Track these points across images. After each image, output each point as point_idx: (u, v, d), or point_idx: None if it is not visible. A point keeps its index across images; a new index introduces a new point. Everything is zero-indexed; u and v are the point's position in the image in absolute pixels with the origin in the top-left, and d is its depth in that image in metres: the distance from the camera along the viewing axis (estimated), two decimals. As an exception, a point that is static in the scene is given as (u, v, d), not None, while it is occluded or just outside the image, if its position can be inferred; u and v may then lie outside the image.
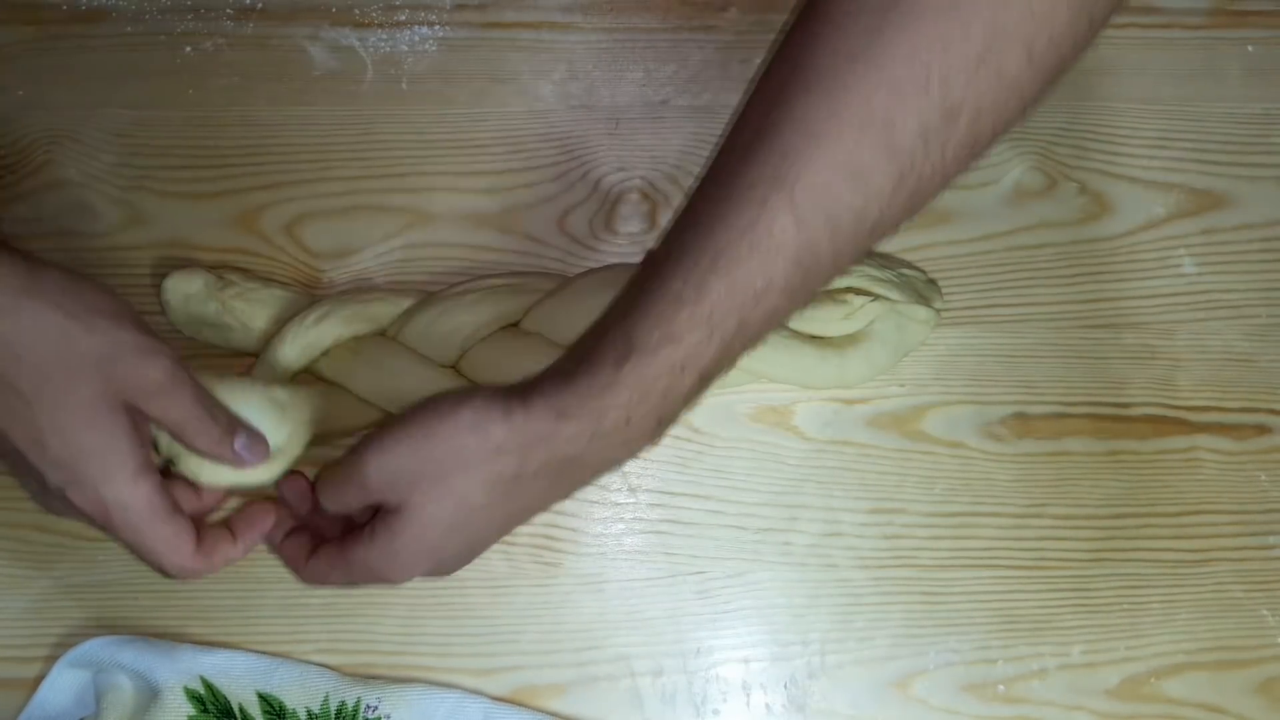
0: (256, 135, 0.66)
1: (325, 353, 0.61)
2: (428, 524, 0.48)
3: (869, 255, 0.64)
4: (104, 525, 0.49)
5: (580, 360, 0.48)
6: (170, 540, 0.50)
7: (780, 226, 0.43)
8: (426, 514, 0.48)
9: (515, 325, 0.62)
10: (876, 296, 0.61)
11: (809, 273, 0.45)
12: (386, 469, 0.48)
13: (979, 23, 0.41)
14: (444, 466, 0.48)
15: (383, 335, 0.61)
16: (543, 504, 0.51)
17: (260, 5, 0.68)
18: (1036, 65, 0.42)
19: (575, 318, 0.60)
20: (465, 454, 0.47)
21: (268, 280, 0.63)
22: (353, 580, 0.52)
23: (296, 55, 0.67)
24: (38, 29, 0.66)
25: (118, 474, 0.47)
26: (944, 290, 0.65)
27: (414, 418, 0.49)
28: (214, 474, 0.53)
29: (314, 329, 0.60)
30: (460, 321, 0.60)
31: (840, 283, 0.62)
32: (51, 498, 0.49)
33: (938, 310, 0.63)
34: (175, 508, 0.49)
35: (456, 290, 0.61)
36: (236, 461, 0.52)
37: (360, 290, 0.63)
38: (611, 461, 0.49)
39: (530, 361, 0.59)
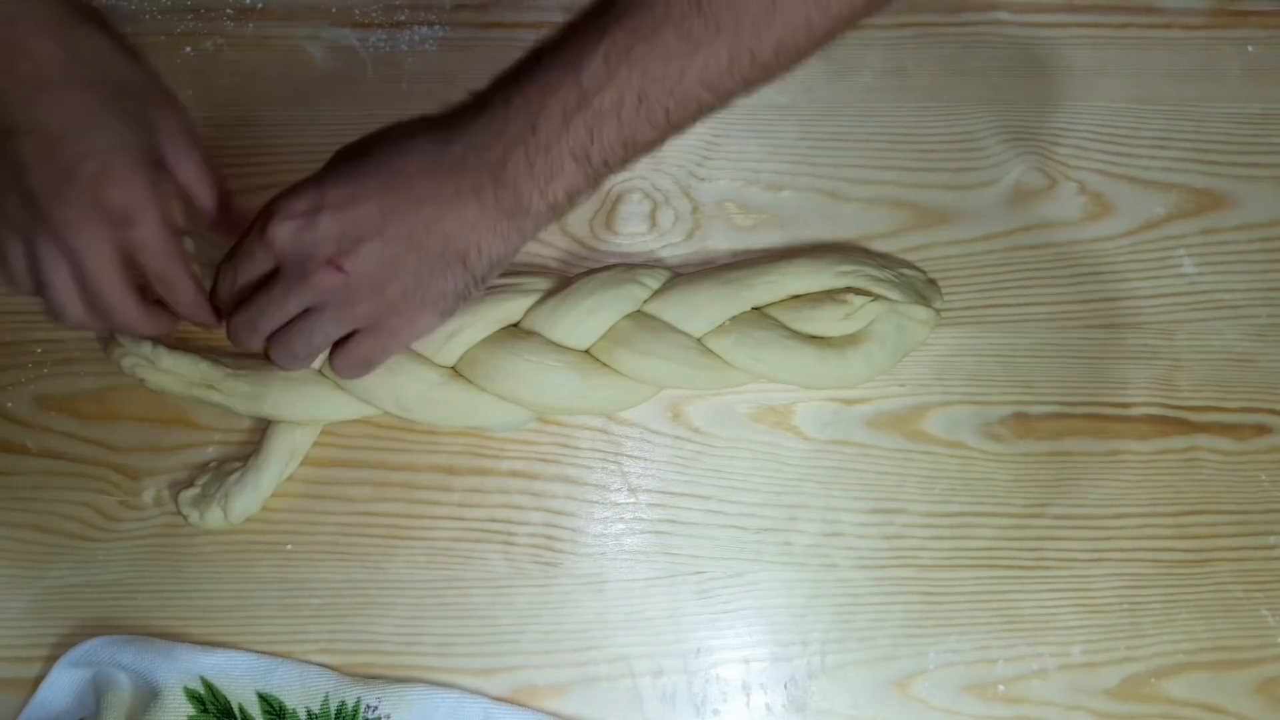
0: (257, 135, 0.66)
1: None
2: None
3: (867, 255, 0.64)
4: (126, 218, 0.51)
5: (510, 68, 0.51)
6: (176, 248, 0.53)
7: None
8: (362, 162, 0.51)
9: (515, 325, 0.62)
10: (876, 297, 0.61)
11: (706, 23, 0.46)
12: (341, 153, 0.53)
13: None
14: (382, 136, 0.52)
15: None
16: (448, 205, 0.50)
17: (260, 5, 0.68)
18: None
19: (575, 317, 0.61)
20: (396, 130, 0.52)
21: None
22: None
23: (297, 56, 0.67)
24: (38, 29, 0.66)
25: (145, 171, 0.52)
26: (944, 290, 0.65)
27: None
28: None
29: None
30: (460, 322, 0.60)
31: (840, 283, 0.62)
32: (68, 203, 0.50)
33: (938, 310, 0.63)
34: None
35: None
36: (228, 228, 0.56)
37: None
38: (493, 169, 0.50)
39: (530, 362, 0.60)
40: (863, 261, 0.63)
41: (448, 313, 0.54)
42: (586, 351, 0.62)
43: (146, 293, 0.54)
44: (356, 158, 0.51)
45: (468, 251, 0.51)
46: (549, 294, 0.62)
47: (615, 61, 0.47)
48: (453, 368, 0.61)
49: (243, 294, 0.54)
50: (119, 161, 0.51)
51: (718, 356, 0.62)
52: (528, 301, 0.62)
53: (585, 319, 0.61)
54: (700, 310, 0.62)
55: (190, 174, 0.54)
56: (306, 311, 0.53)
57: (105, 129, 0.51)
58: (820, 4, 0.47)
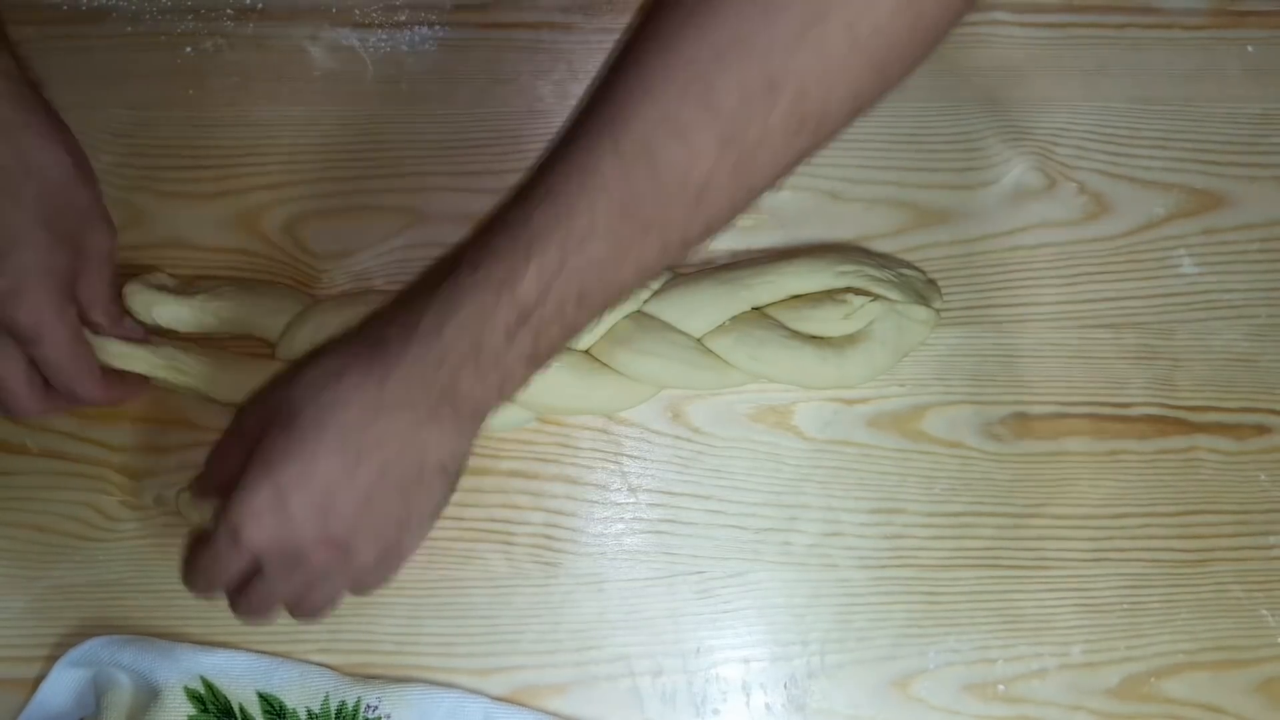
0: (256, 135, 0.66)
1: None
2: (305, 443, 0.47)
3: (867, 255, 0.64)
4: (33, 337, 0.54)
5: (420, 282, 0.50)
6: (88, 366, 0.58)
7: (607, 166, 0.44)
8: (300, 430, 0.47)
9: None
10: (876, 297, 0.61)
11: (635, 226, 0.45)
12: (255, 409, 0.50)
13: None
14: (305, 393, 0.48)
15: None
16: (405, 437, 0.48)
17: (260, 5, 0.68)
18: (862, 51, 0.43)
19: None
20: (319, 380, 0.48)
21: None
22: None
23: (296, 55, 0.67)
24: (38, 29, 0.66)
25: (58, 296, 0.55)
26: (944, 290, 0.65)
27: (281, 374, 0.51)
28: None
29: (315, 335, 0.60)
30: None
31: (840, 283, 0.62)
32: None
33: (937, 310, 0.63)
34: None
35: None
36: (124, 337, 0.60)
37: (358, 293, 0.63)
38: (443, 392, 0.47)
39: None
40: (862, 261, 0.63)
41: (439, 515, 0.53)
42: (586, 352, 0.62)
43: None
44: (283, 425, 0.47)
45: (443, 463, 0.50)
46: None
47: (550, 277, 0.46)
48: None
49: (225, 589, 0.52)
50: (32, 284, 0.53)
51: (717, 356, 0.62)
52: None
53: None
54: (700, 310, 0.62)
55: (89, 295, 0.57)
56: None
57: (29, 250, 0.53)
58: (743, 184, 0.46)
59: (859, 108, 0.45)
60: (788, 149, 0.45)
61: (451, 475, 0.51)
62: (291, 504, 0.47)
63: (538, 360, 0.48)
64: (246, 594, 0.50)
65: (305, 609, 0.52)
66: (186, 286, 0.62)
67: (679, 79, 0.44)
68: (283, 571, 0.49)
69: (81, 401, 0.58)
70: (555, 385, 0.60)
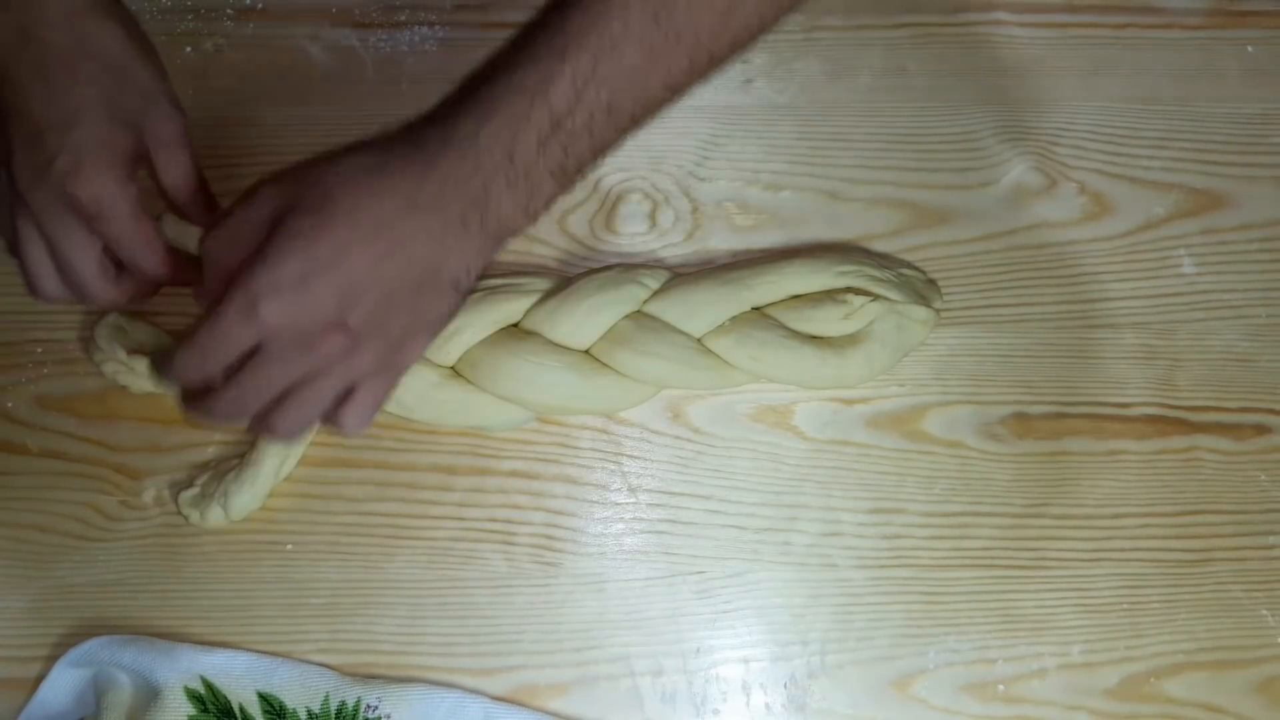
0: (257, 135, 0.66)
1: None
2: (326, 224, 0.47)
3: (867, 255, 0.65)
4: (95, 212, 0.52)
5: (461, 86, 0.50)
6: (150, 239, 0.54)
7: None
8: (324, 213, 0.47)
9: (515, 325, 0.62)
10: (876, 297, 0.61)
11: (666, 33, 0.47)
12: (278, 191, 0.48)
13: None
14: (342, 180, 0.48)
15: None
16: (435, 239, 0.48)
17: (260, 5, 0.68)
18: None
19: (575, 318, 0.61)
20: (357, 170, 0.48)
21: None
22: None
23: (297, 56, 0.67)
24: (38, 29, 0.66)
25: (120, 169, 0.52)
26: (944, 290, 0.65)
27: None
28: None
29: None
30: (460, 322, 0.60)
31: (840, 283, 0.62)
32: (42, 192, 0.52)
33: (937, 310, 0.63)
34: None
35: None
36: (195, 216, 0.56)
37: None
38: (474, 200, 0.48)
39: (530, 362, 0.60)
40: (862, 261, 0.63)
41: (440, 332, 0.53)
42: (586, 352, 0.62)
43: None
44: (315, 209, 0.47)
45: (459, 276, 0.50)
46: (549, 294, 0.62)
47: (582, 83, 0.47)
48: (452, 367, 0.61)
49: (214, 375, 0.50)
50: (92, 159, 0.52)
51: (718, 356, 0.62)
52: (528, 301, 0.62)
53: (585, 319, 0.61)
54: (700, 310, 0.62)
55: (172, 178, 0.55)
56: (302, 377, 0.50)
57: (89, 126, 0.52)
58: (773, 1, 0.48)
59: None
60: None
61: (463, 291, 0.51)
62: (316, 284, 0.46)
63: (566, 176, 0.49)
64: (237, 380, 0.49)
65: (287, 414, 0.50)
66: None
67: None
68: (286, 356, 0.48)
69: (151, 280, 0.55)
70: (556, 385, 0.60)
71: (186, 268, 0.56)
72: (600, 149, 0.49)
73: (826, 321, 0.62)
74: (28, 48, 0.51)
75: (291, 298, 0.46)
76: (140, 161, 0.54)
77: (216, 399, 0.49)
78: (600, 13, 0.47)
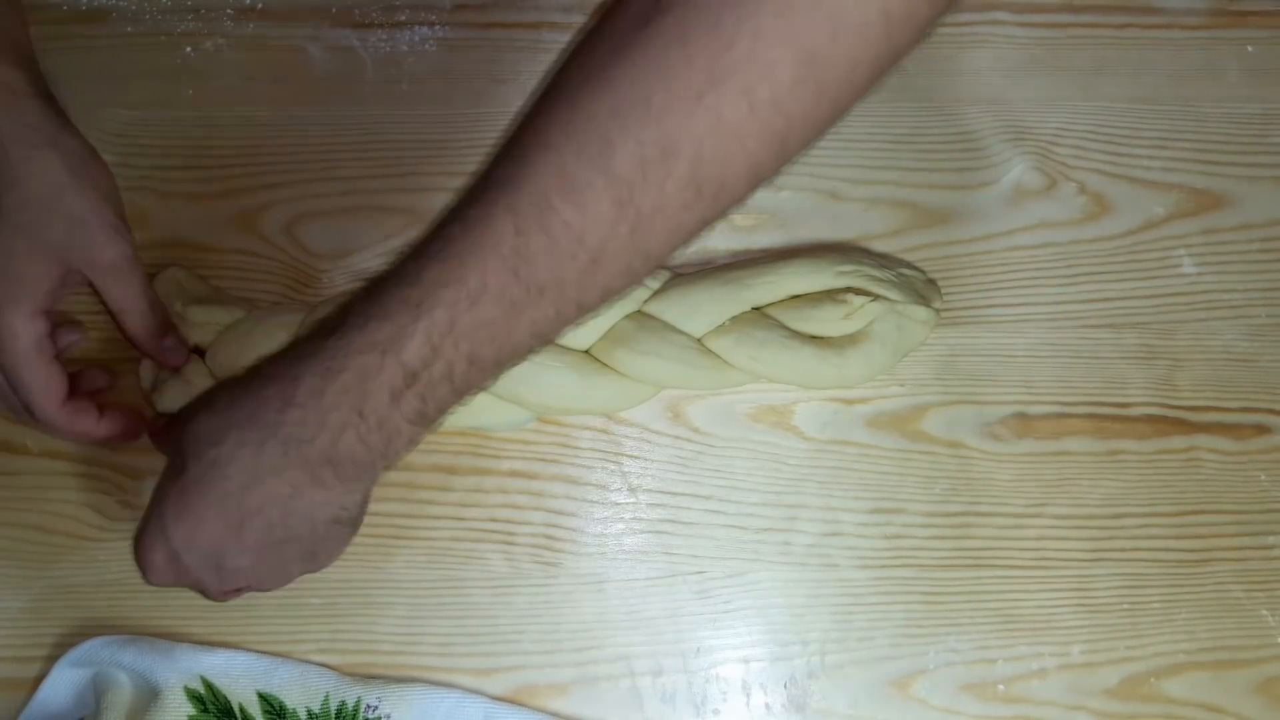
0: (256, 135, 0.66)
1: None
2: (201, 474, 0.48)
3: (867, 255, 0.65)
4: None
5: (315, 329, 0.49)
6: (45, 382, 0.55)
7: (500, 227, 0.43)
8: (201, 465, 0.48)
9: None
10: (876, 296, 0.61)
11: (528, 288, 0.44)
12: (167, 436, 0.52)
13: (702, 58, 0.40)
14: (193, 447, 0.49)
15: None
16: (287, 502, 0.48)
17: (260, 5, 0.68)
18: (760, 121, 0.41)
19: None
20: (204, 435, 0.49)
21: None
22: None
23: (296, 55, 0.67)
24: (38, 29, 0.66)
25: (24, 305, 0.54)
26: (944, 290, 0.65)
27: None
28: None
29: (241, 349, 0.60)
30: None
31: (840, 283, 0.62)
32: None
33: (937, 310, 0.63)
34: (55, 358, 0.56)
35: None
36: (161, 358, 0.59)
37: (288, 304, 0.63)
38: (323, 457, 0.47)
39: (530, 361, 0.59)
40: (862, 261, 0.63)
41: (339, 554, 0.53)
42: (586, 352, 0.62)
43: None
44: (174, 475, 0.49)
45: (335, 516, 0.50)
46: None
47: (439, 338, 0.45)
48: None
49: None
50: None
51: (718, 356, 0.62)
52: None
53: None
54: (700, 310, 0.62)
55: (115, 303, 0.57)
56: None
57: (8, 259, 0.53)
58: (639, 251, 0.44)
59: (759, 177, 0.44)
60: (685, 216, 0.44)
61: (347, 523, 0.51)
62: (185, 560, 0.49)
63: (427, 419, 0.47)
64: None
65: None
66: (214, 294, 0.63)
67: (577, 136, 0.42)
68: (199, 591, 0.53)
69: (48, 427, 0.57)
70: (555, 385, 0.60)
71: (91, 418, 0.58)
72: (464, 392, 0.47)
73: (826, 321, 0.62)
74: None
75: (170, 572, 0.50)
76: (62, 293, 0.55)
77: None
78: (457, 267, 0.44)
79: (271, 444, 0.47)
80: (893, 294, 0.62)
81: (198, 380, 0.60)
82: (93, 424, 0.58)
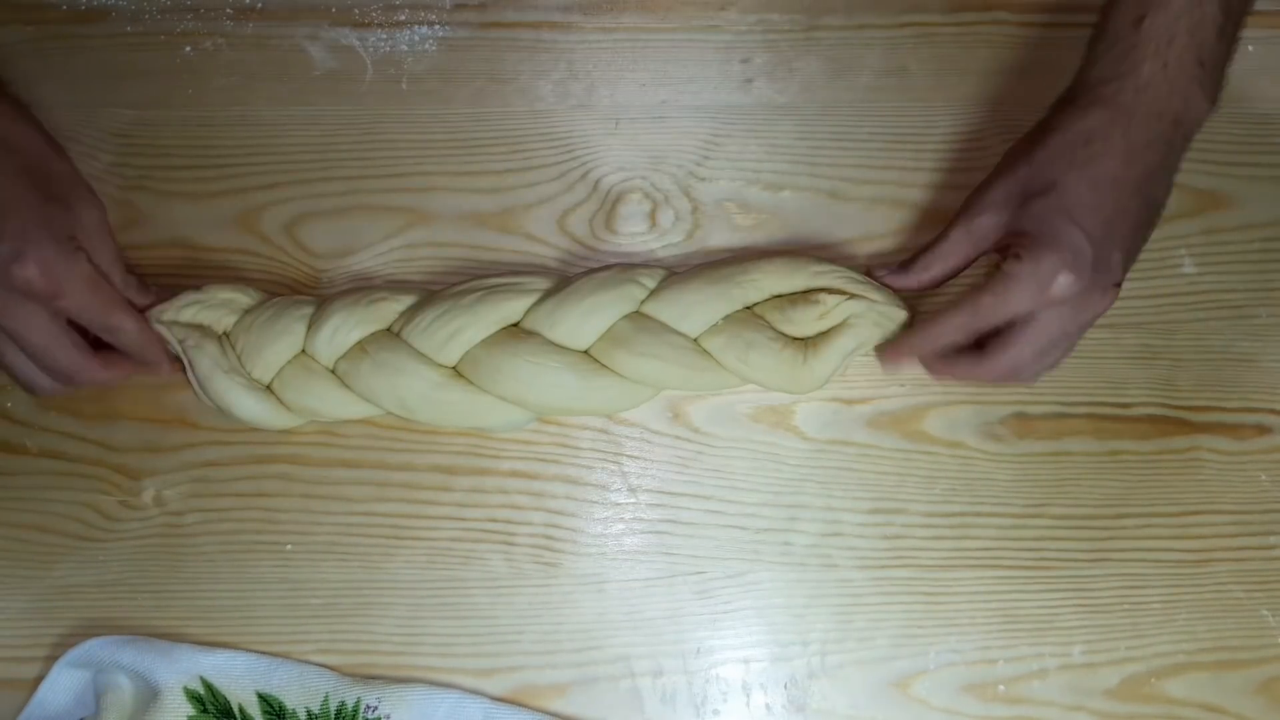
0: (256, 135, 0.66)
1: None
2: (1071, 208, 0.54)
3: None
4: (52, 291, 0.54)
5: (1097, 42, 0.56)
6: (111, 302, 0.57)
7: None
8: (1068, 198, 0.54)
9: (516, 325, 0.62)
10: (851, 295, 0.60)
11: None
12: (995, 202, 0.57)
13: None
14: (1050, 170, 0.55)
15: (388, 331, 0.61)
16: (1152, 181, 0.56)
17: (260, 5, 0.68)
18: None
19: (574, 318, 0.60)
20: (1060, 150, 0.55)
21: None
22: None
23: (296, 55, 0.67)
24: (38, 29, 0.66)
25: (64, 244, 0.55)
26: (944, 290, 0.65)
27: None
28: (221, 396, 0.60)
29: (335, 339, 0.60)
30: (460, 323, 0.60)
31: (817, 282, 0.61)
32: None
33: (912, 310, 0.62)
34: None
35: (456, 290, 0.62)
36: (132, 295, 0.59)
37: (364, 290, 0.63)
38: (1173, 119, 0.55)
39: (530, 363, 0.59)
40: (836, 264, 0.62)
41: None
42: (586, 353, 0.62)
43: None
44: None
45: None
46: (548, 294, 0.62)
47: None
48: (454, 368, 0.61)
49: None
50: (35, 240, 0.54)
51: (713, 358, 0.61)
52: (528, 301, 0.61)
53: (583, 320, 0.61)
54: (694, 310, 0.61)
55: (101, 262, 0.57)
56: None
57: (25, 211, 0.54)
58: None
59: None
60: None
61: None
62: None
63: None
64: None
65: None
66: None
67: None
68: None
69: (127, 343, 0.58)
70: (556, 386, 0.60)
71: (151, 345, 0.59)
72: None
73: (803, 324, 0.61)
74: None
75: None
76: (77, 239, 0.56)
77: None
78: None
79: (1142, 130, 0.55)
80: (871, 294, 0.61)
81: (213, 354, 0.60)
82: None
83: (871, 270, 0.63)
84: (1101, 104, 0.55)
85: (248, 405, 0.60)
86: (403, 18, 0.68)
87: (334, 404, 0.61)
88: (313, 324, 0.61)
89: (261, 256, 0.65)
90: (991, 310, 0.56)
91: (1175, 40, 0.54)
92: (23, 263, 0.53)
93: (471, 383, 0.60)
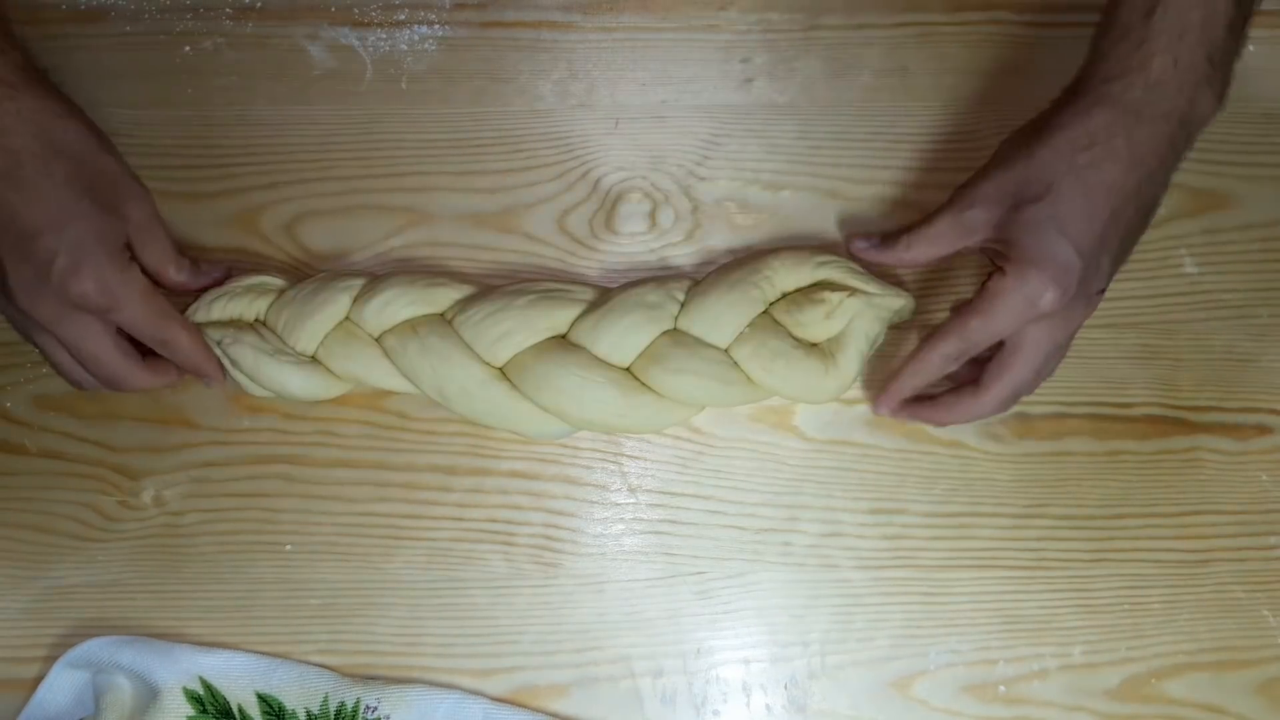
0: (256, 135, 0.66)
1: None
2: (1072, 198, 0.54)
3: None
4: (107, 305, 0.54)
5: (1105, 34, 0.55)
6: (165, 316, 0.57)
7: None
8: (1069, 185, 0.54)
9: (563, 336, 0.61)
10: (852, 290, 0.60)
11: None
12: (988, 196, 0.56)
13: None
14: (1050, 170, 0.55)
15: (441, 317, 0.61)
16: (1150, 185, 0.55)
17: (260, 5, 0.67)
18: None
19: (615, 334, 0.60)
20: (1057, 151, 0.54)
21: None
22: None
23: (296, 55, 0.67)
24: (37, 29, 0.66)
25: (118, 257, 0.55)
26: (944, 290, 0.65)
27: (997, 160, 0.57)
28: (271, 379, 0.60)
29: (385, 311, 0.61)
30: (511, 325, 0.60)
31: (821, 274, 0.61)
32: (47, 303, 0.54)
33: (912, 298, 0.62)
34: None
35: (509, 290, 0.61)
36: (186, 281, 0.60)
37: (425, 272, 0.63)
38: (1179, 120, 0.54)
39: (576, 376, 0.59)
40: (838, 254, 0.62)
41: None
42: (627, 369, 0.61)
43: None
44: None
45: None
46: (592, 306, 0.61)
47: None
48: (500, 369, 0.60)
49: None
50: (91, 255, 0.54)
51: (744, 371, 0.60)
52: (574, 310, 0.61)
53: (624, 336, 0.60)
54: (722, 318, 0.60)
55: (153, 257, 0.58)
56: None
57: (80, 221, 0.54)
58: None
59: None
60: None
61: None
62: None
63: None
64: None
65: None
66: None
67: None
68: None
69: (181, 357, 0.58)
70: (599, 402, 0.59)
71: (204, 356, 0.59)
72: None
73: (810, 325, 0.60)
74: None
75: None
76: (131, 245, 0.56)
77: None
78: None
79: (1147, 125, 0.54)
80: (870, 286, 0.61)
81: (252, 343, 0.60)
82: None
83: (851, 241, 0.62)
84: (1107, 103, 0.54)
85: (298, 382, 0.60)
86: (402, 17, 0.68)
87: (378, 373, 0.61)
88: (363, 294, 0.61)
89: (261, 256, 0.65)
90: (980, 331, 0.55)
91: (1186, 35, 0.53)
92: (79, 276, 0.53)
93: (515, 387, 0.60)
